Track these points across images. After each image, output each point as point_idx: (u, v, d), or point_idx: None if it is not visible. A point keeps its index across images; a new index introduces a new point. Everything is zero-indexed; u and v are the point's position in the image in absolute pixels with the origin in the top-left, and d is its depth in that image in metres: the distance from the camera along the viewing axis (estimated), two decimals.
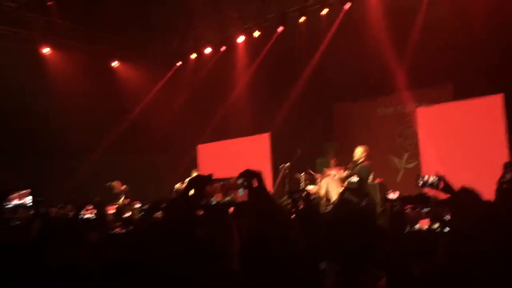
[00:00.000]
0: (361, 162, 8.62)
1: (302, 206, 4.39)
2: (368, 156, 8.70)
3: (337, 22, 11.64)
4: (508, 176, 4.13)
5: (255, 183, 2.16)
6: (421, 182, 3.40)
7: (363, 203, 4.58)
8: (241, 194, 2.15)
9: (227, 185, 2.18)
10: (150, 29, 13.09)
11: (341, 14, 11.51)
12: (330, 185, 8.72)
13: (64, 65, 12.65)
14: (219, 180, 2.19)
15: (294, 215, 3.98)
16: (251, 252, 2.29)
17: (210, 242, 2.23)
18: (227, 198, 2.18)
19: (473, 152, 9.62)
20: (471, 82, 10.11)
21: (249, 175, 2.16)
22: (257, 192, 2.16)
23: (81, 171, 12.29)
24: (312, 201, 5.70)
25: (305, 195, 4.78)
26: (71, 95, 12.33)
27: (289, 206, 4.70)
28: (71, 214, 6.37)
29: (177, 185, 10.80)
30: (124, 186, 10.91)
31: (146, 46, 13.92)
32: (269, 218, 2.22)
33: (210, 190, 2.16)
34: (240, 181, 2.14)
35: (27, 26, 11.89)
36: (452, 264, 2.10)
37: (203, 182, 2.16)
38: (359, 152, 8.66)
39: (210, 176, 2.18)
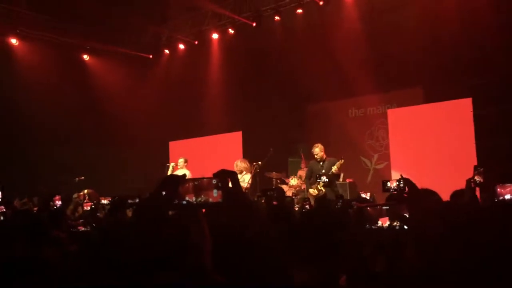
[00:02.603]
0: (324, 159, 8.74)
1: (275, 203, 4.40)
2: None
3: (311, 22, 11.69)
4: (476, 178, 4.28)
5: (230, 183, 2.13)
6: (385, 187, 3.47)
7: (338, 205, 4.62)
8: (215, 195, 2.10)
9: (200, 185, 2.12)
10: (123, 23, 12.88)
11: (315, 15, 11.57)
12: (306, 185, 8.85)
13: (32, 57, 12.36)
14: (192, 180, 2.13)
15: (267, 212, 3.96)
16: (224, 251, 2.26)
17: (182, 241, 2.19)
18: (199, 199, 2.12)
19: (442, 154, 9.81)
20: (440, 86, 10.31)
21: (224, 175, 2.13)
22: (232, 192, 2.13)
23: (50, 164, 12.03)
24: (286, 199, 5.72)
25: (278, 193, 4.79)
26: (40, 87, 12.07)
27: (262, 203, 4.71)
28: (35, 208, 6.22)
29: (172, 164, 10.87)
30: (86, 191, 10.56)
31: (118, 39, 13.68)
32: (242, 217, 2.20)
33: (182, 190, 2.11)
34: (214, 181, 2.10)
35: None
36: (415, 261, 2.13)
37: (176, 181, 2.12)
38: (320, 150, 8.75)
39: (183, 175, 2.14)
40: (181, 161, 10.80)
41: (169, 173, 10.32)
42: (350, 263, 2.35)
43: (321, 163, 8.71)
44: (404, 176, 3.61)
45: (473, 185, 4.05)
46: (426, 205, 2.82)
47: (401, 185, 3.43)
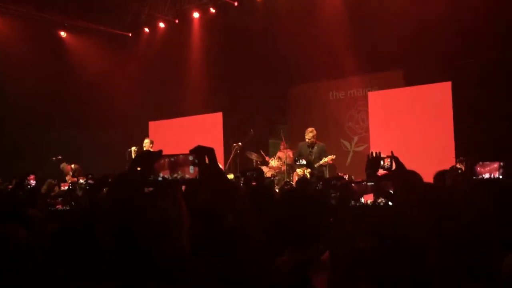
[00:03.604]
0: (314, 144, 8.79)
1: (254, 184, 4.39)
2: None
3: (294, 3, 11.60)
4: (458, 166, 4.40)
5: (207, 160, 2.09)
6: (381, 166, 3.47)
7: (319, 186, 4.63)
8: (191, 171, 2.06)
9: (176, 161, 2.08)
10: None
11: None
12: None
13: (6, 32, 12.04)
14: (168, 156, 2.08)
15: (245, 192, 3.95)
16: (202, 229, 2.24)
17: (159, 219, 2.16)
18: (175, 175, 2.07)
19: (421, 137, 9.91)
20: (421, 69, 10.37)
21: (201, 152, 2.09)
22: (209, 168, 2.10)
23: (28, 145, 11.81)
24: (265, 180, 5.71)
25: (257, 174, 4.77)
26: (16, 64, 11.81)
27: (241, 183, 4.70)
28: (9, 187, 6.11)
29: (133, 148, 10.47)
30: (73, 165, 10.58)
31: (97, 16, 13.40)
32: (220, 195, 2.17)
33: (158, 167, 2.06)
34: (190, 157, 2.06)
35: None
36: (395, 238, 2.14)
37: (152, 158, 2.07)
38: (313, 135, 8.79)
39: (160, 152, 2.09)
40: (146, 141, 10.38)
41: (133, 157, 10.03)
42: (333, 239, 2.35)
43: (310, 147, 8.78)
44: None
45: (459, 172, 4.12)
46: (411, 183, 2.84)
47: (389, 162, 3.44)
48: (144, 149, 10.23)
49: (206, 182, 2.13)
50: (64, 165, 10.66)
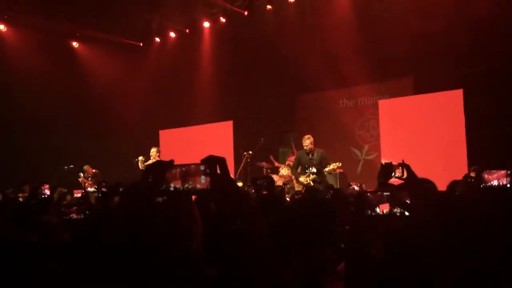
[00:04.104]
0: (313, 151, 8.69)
1: (265, 193, 4.38)
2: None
3: (303, 12, 11.64)
4: (472, 174, 4.38)
5: (219, 170, 2.09)
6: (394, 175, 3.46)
7: (329, 195, 4.60)
8: (203, 181, 2.06)
9: (188, 171, 2.07)
10: (113, 10, 12.71)
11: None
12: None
13: (20, 43, 12.21)
14: (180, 166, 2.08)
15: (256, 201, 3.94)
16: (213, 238, 2.24)
17: (171, 228, 2.17)
18: (187, 185, 2.07)
19: (432, 145, 9.83)
20: (432, 77, 10.33)
21: (212, 162, 2.10)
22: (221, 178, 2.10)
23: (40, 153, 11.93)
24: (276, 188, 5.70)
25: (268, 182, 4.77)
26: (29, 74, 11.95)
27: (252, 192, 4.69)
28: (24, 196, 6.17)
29: (140, 158, 10.46)
30: (94, 170, 10.99)
31: (109, 27, 13.53)
32: (232, 205, 2.17)
33: (169, 177, 2.06)
34: (202, 167, 2.06)
35: None
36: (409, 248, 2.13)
37: (163, 167, 2.08)
38: (310, 142, 8.69)
39: (171, 161, 2.08)
40: (153, 150, 10.37)
41: (140, 166, 10.09)
42: (348, 249, 2.33)
43: (310, 154, 8.68)
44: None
45: (469, 180, 4.10)
46: (427, 193, 2.82)
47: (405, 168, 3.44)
48: (151, 158, 10.30)
49: (217, 191, 2.13)
50: (87, 167, 11.13)
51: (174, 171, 2.05)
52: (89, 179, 10.88)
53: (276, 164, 10.91)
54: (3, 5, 11.82)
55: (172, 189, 2.05)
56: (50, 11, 12.49)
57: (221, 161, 2.11)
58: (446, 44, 9.87)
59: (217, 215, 2.35)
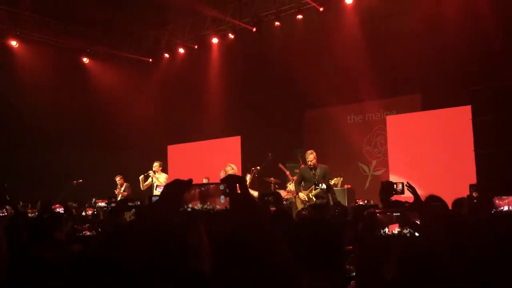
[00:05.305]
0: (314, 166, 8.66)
1: (273, 209, 4.38)
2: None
3: (311, 28, 11.70)
4: (474, 194, 4.42)
5: (238, 189, 2.06)
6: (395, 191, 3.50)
7: (336, 212, 4.60)
8: (222, 201, 2.02)
9: (207, 191, 2.04)
10: (123, 26, 12.89)
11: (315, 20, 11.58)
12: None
13: (32, 59, 12.35)
14: (198, 185, 2.05)
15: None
16: (229, 260, 2.23)
17: (181, 245, 2.17)
18: (205, 206, 2.03)
19: (440, 161, 9.81)
20: (439, 93, 10.33)
21: (232, 181, 2.07)
22: (241, 198, 2.07)
23: (49, 168, 12.02)
24: (284, 204, 5.70)
25: (276, 198, 4.77)
26: (39, 90, 12.08)
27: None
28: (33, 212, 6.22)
29: (141, 177, 10.79)
30: (125, 183, 11.32)
31: (118, 43, 13.70)
32: (252, 224, 2.14)
33: (188, 197, 2.03)
34: (222, 187, 2.03)
35: None
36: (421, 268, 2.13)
37: (182, 187, 2.04)
38: (314, 157, 8.68)
39: (190, 181, 2.02)
40: (155, 165, 10.66)
41: (154, 181, 10.36)
42: (359, 269, 2.33)
43: (313, 170, 8.66)
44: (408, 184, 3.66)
45: (474, 200, 4.10)
46: (435, 213, 2.82)
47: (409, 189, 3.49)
48: (154, 171, 10.57)
49: (237, 212, 2.09)
50: (119, 178, 11.40)
51: (193, 191, 2.00)
52: (123, 190, 11.19)
53: (287, 173, 10.85)
54: (16, 22, 11.99)
55: (189, 209, 2.01)
56: (61, 28, 12.69)
57: (241, 179, 2.08)
58: (455, 61, 9.88)
59: (235, 236, 2.33)
